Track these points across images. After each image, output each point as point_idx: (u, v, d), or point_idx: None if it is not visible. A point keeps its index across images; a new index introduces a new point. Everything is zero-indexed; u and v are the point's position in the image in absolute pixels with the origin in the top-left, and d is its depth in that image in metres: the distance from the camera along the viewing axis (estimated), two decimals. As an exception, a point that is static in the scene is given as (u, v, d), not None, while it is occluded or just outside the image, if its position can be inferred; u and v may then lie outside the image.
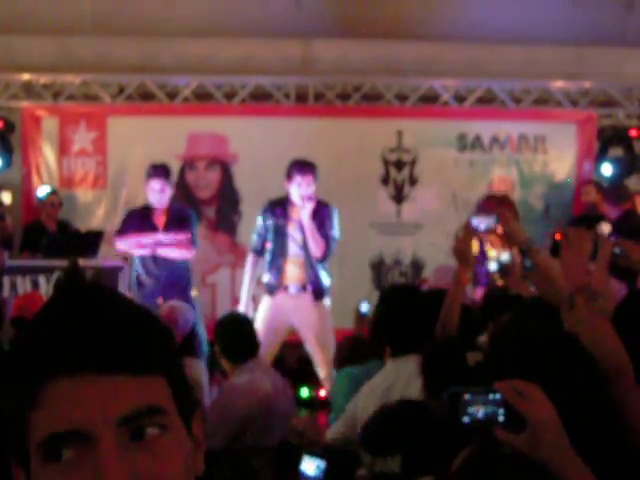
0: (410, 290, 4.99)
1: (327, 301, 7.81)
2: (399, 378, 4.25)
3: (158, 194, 7.98)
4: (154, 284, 8.00)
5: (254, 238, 7.92)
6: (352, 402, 4.48)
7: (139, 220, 8.08)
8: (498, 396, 2.02)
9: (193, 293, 8.17)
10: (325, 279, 7.76)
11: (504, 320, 3.70)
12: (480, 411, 2.03)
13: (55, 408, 1.11)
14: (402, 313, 4.43)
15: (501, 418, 2.02)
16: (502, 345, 2.56)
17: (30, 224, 9.72)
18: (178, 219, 8.06)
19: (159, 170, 8.05)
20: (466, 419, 2.04)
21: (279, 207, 7.74)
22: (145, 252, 7.99)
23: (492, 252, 8.84)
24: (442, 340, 3.93)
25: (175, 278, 8.00)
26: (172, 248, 7.95)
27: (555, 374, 2.29)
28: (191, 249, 8.06)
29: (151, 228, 8.03)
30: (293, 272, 7.68)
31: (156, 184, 7.97)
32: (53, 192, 9.68)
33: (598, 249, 2.95)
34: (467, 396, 2.04)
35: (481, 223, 4.09)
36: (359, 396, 4.45)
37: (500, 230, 3.98)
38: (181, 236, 7.96)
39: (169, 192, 8.06)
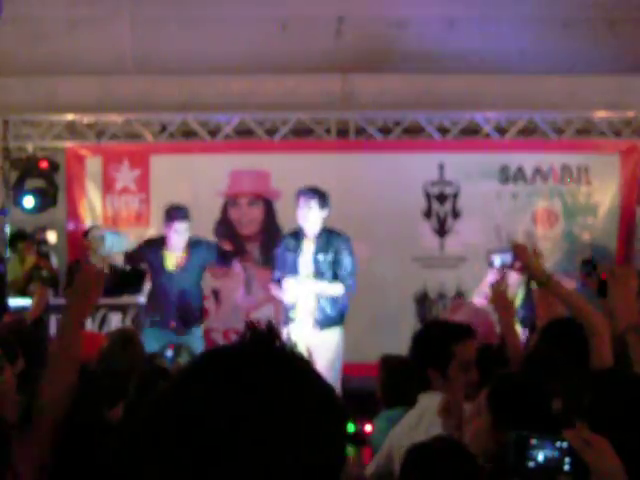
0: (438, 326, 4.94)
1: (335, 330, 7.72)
2: (427, 411, 4.23)
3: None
4: None
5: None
6: (387, 439, 4.47)
7: None
8: (565, 444, 1.99)
9: None
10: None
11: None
12: (546, 457, 2.00)
13: None
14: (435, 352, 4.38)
15: (567, 467, 1.99)
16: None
17: (74, 262, 9.78)
18: None
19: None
20: (531, 464, 2.01)
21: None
22: None
23: None
24: (513, 378, 3.85)
25: None
26: None
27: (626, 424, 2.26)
28: None
29: None
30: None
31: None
32: (95, 227, 9.78)
33: None
34: (534, 441, 2.01)
35: (497, 259, 4.06)
36: (393, 432, 4.44)
37: (518, 265, 3.94)
38: None
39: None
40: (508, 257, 4.00)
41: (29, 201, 9.69)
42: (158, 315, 8.22)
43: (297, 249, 7.66)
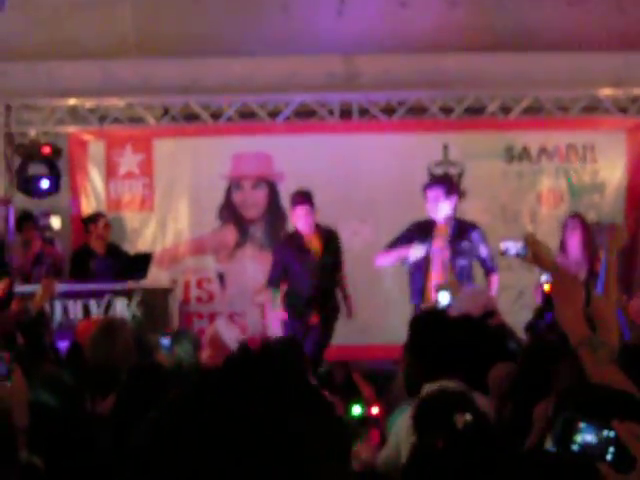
0: (438, 315, 4.93)
1: None
2: None
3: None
4: None
5: None
6: (394, 430, 4.46)
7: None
8: (612, 434, 1.97)
9: None
10: None
11: None
12: (589, 443, 1.98)
13: None
14: (431, 339, 4.38)
15: (609, 456, 1.96)
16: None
17: (78, 248, 9.76)
18: None
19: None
20: (575, 447, 1.99)
21: None
22: None
23: None
24: (435, 393, 3.82)
25: None
26: None
27: None
28: None
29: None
30: None
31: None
32: (99, 214, 9.74)
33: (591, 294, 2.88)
34: (581, 425, 1.99)
35: (511, 248, 4.08)
36: (399, 423, 4.43)
37: (529, 256, 3.93)
38: None
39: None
40: (519, 246, 4.03)
41: (32, 187, 9.66)
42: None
43: (428, 238, 7.97)
